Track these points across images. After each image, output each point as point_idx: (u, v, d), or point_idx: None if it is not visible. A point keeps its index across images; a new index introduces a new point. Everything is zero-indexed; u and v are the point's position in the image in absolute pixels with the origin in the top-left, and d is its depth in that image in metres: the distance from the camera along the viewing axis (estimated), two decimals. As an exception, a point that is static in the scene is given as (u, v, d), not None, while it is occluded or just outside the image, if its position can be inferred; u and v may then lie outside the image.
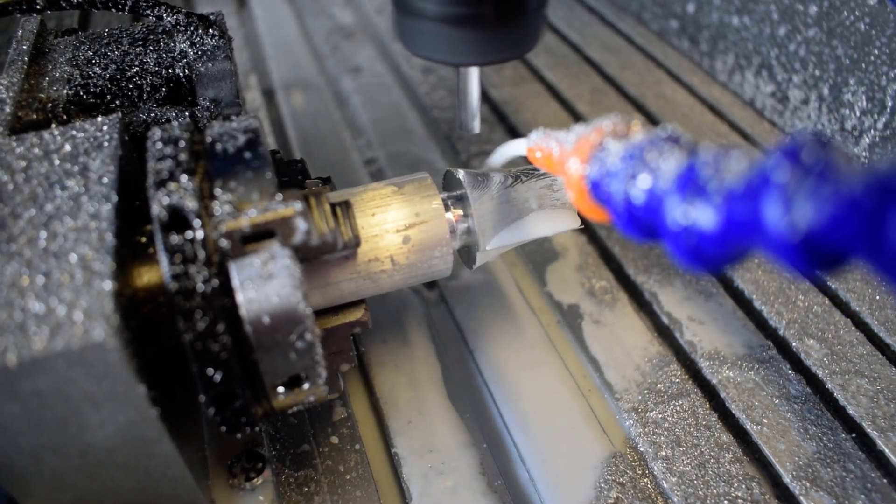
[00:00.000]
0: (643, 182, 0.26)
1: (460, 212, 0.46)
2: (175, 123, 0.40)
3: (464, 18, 0.43)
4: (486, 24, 0.43)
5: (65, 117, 0.45)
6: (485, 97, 0.86)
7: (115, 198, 0.36)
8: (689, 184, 0.24)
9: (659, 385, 0.54)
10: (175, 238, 0.34)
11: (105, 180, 0.37)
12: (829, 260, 0.19)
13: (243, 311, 0.34)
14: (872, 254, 0.18)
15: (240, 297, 0.34)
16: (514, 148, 0.45)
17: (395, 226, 0.44)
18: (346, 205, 0.43)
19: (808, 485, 0.47)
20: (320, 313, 0.44)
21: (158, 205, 0.34)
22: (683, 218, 0.24)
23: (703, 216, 0.23)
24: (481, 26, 0.44)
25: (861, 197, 0.18)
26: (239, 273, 0.34)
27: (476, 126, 0.53)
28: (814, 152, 0.20)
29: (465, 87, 0.51)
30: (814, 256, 0.20)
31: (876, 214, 0.18)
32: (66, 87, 0.46)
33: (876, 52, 0.63)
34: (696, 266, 0.24)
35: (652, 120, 0.81)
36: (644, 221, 0.27)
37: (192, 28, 0.49)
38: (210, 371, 0.34)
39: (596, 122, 0.32)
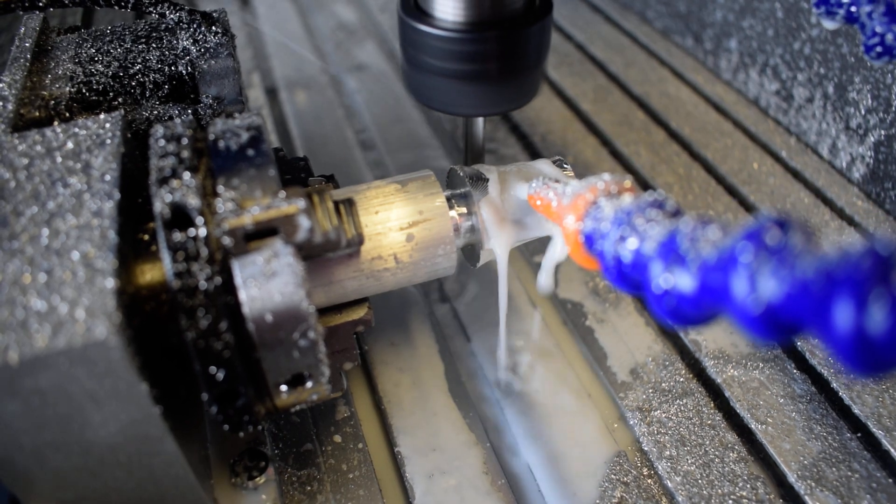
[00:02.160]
0: (631, 244, 0.30)
1: (464, 210, 0.46)
2: (178, 121, 0.40)
3: (470, 75, 0.46)
4: (491, 80, 0.46)
5: (67, 115, 0.45)
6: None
7: (117, 195, 0.35)
8: (671, 252, 0.27)
9: (663, 384, 0.53)
10: (178, 235, 0.34)
11: (107, 178, 0.36)
12: (784, 330, 0.23)
13: (246, 309, 0.34)
14: (821, 329, 0.21)
15: (242, 295, 0.34)
16: (518, 191, 0.47)
17: (398, 224, 0.44)
18: (350, 202, 0.43)
19: (812, 484, 0.46)
20: (323, 311, 0.44)
21: (161, 202, 0.34)
22: (664, 282, 0.27)
23: (681, 282, 0.26)
24: (486, 82, 0.47)
25: (812, 281, 0.22)
26: (241, 271, 0.34)
27: (482, 162, 0.56)
28: (776, 235, 0.23)
29: (472, 132, 0.54)
30: (772, 327, 0.23)
31: (823, 297, 0.21)
32: (69, 84, 0.46)
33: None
34: (675, 322, 0.28)
35: (655, 118, 0.80)
36: (631, 278, 0.30)
37: (194, 25, 0.48)
38: (212, 369, 0.34)
39: (591, 181, 0.35)
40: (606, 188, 0.34)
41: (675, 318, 0.27)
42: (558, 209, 0.38)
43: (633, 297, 0.60)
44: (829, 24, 0.43)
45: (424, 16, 0.46)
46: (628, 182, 0.35)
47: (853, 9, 0.40)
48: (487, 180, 0.46)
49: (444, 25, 0.45)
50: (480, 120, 0.53)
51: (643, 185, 0.71)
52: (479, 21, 0.45)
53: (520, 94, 0.49)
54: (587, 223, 0.34)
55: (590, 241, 0.34)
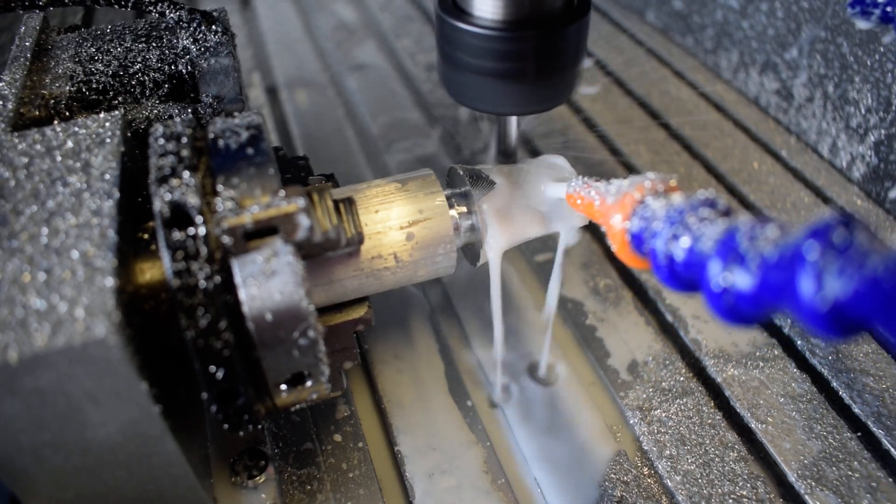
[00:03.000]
0: (684, 243, 0.30)
1: (464, 209, 0.46)
2: (177, 120, 0.39)
3: (507, 73, 0.46)
4: (527, 79, 0.46)
5: (67, 114, 0.45)
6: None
7: (116, 194, 0.35)
8: (729, 251, 0.27)
9: (663, 383, 0.53)
10: (177, 234, 0.34)
11: (107, 177, 0.36)
12: (851, 328, 0.23)
13: (246, 308, 0.34)
14: (889, 325, 0.22)
15: (242, 294, 0.34)
16: (552, 190, 0.47)
17: (398, 223, 0.44)
18: (350, 201, 0.43)
19: (813, 484, 0.46)
20: (323, 311, 0.44)
21: (160, 201, 0.34)
22: (723, 281, 0.27)
23: (740, 280, 0.26)
24: (522, 81, 0.46)
25: (882, 276, 0.22)
26: (241, 270, 0.34)
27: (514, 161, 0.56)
28: (842, 234, 0.24)
29: (505, 131, 0.54)
30: (838, 324, 0.23)
31: (893, 292, 0.22)
32: (69, 83, 0.46)
33: (882, 49, 0.62)
34: (731, 321, 0.28)
35: (655, 118, 0.80)
36: (683, 277, 0.31)
37: (194, 24, 0.48)
38: (212, 368, 0.34)
39: (636, 180, 0.35)
40: (653, 187, 0.34)
41: (731, 316, 0.27)
42: (602, 208, 0.37)
43: (636, 300, 0.60)
44: (863, 24, 0.42)
45: (462, 13, 0.46)
46: (674, 181, 0.35)
47: (889, 9, 0.40)
48: (487, 179, 0.46)
49: (483, 23, 0.45)
50: (514, 119, 0.53)
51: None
52: (518, 20, 0.45)
53: (556, 93, 0.48)
54: (634, 222, 0.34)
55: (638, 240, 0.34)
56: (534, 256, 0.65)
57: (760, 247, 0.26)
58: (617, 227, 0.35)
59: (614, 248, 0.36)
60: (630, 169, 0.73)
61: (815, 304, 0.23)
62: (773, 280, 0.25)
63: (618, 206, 0.35)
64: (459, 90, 0.49)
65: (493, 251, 0.47)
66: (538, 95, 0.48)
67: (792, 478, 0.47)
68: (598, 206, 0.38)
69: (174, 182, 0.35)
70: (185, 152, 0.37)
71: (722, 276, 0.27)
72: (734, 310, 0.27)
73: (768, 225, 0.27)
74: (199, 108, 0.46)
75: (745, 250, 0.27)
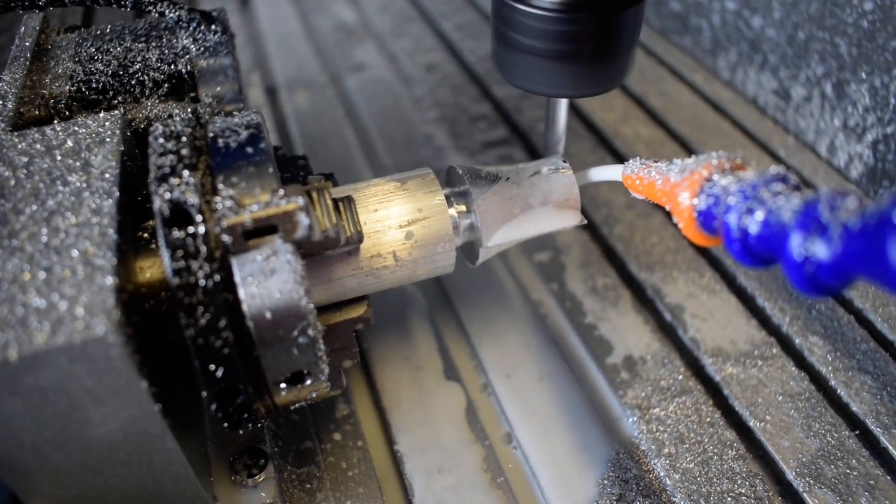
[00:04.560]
0: (759, 216, 0.30)
1: (463, 208, 0.46)
2: (177, 119, 0.40)
3: (562, 55, 0.46)
4: (583, 61, 0.46)
5: (67, 113, 0.45)
6: (487, 96, 0.86)
7: (116, 193, 0.36)
8: (811, 220, 0.28)
9: (662, 382, 0.53)
10: (177, 233, 0.34)
11: (107, 176, 0.37)
12: None
13: (245, 307, 0.34)
14: None
15: (242, 293, 0.34)
16: (606, 174, 0.47)
17: (397, 221, 0.44)
18: (349, 200, 0.43)
19: (811, 482, 0.46)
20: (323, 309, 0.44)
21: (160, 200, 0.34)
22: (804, 251, 0.28)
23: (821, 250, 0.27)
24: (578, 63, 0.46)
25: None
26: (241, 268, 0.34)
27: (560, 149, 0.56)
28: None
29: (554, 115, 0.53)
30: None
31: None
32: (69, 83, 0.46)
33: (879, 49, 0.62)
34: (810, 292, 0.28)
35: (656, 119, 0.80)
36: (758, 251, 0.31)
37: (194, 24, 0.49)
38: (212, 367, 0.34)
39: (703, 158, 0.36)
40: (720, 164, 0.35)
41: (811, 287, 0.28)
42: (665, 187, 0.38)
43: (634, 299, 0.60)
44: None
45: None
46: (739, 159, 0.35)
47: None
48: (486, 178, 0.46)
49: (539, 4, 0.45)
50: (565, 103, 0.53)
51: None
52: (576, 1, 0.45)
53: (610, 76, 0.48)
54: (702, 199, 0.34)
55: (708, 216, 0.34)
56: (533, 256, 0.65)
57: (842, 216, 0.27)
58: (684, 204, 0.35)
59: (681, 225, 0.36)
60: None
61: None
62: (859, 248, 0.25)
63: (685, 183, 0.36)
64: (512, 70, 0.49)
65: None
66: (593, 78, 0.48)
67: (790, 476, 0.47)
68: (660, 186, 0.39)
69: (174, 181, 0.35)
70: (184, 151, 0.37)
71: (804, 246, 0.28)
72: (814, 280, 0.27)
73: (848, 196, 0.27)
74: (199, 108, 0.46)
75: (826, 220, 0.27)
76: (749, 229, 0.31)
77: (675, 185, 0.36)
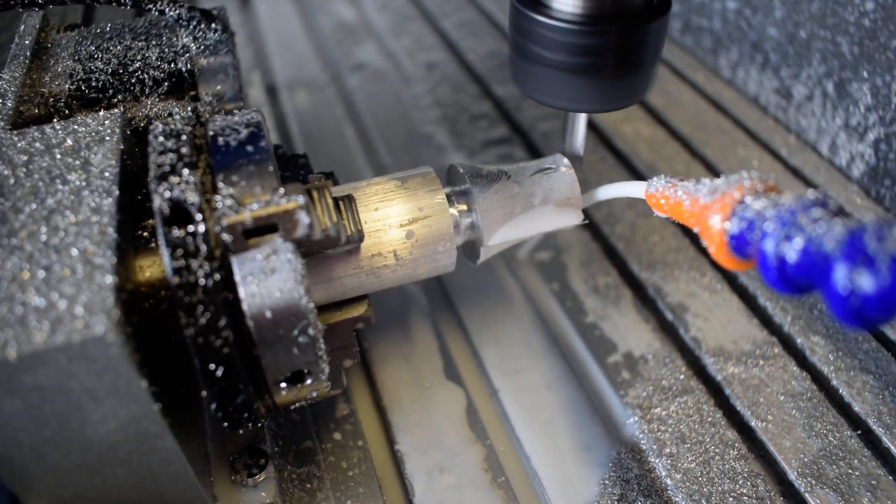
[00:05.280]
0: (798, 244, 0.29)
1: (464, 207, 0.46)
2: (177, 117, 0.39)
3: (584, 69, 0.45)
4: (605, 75, 0.45)
5: (67, 112, 0.45)
6: (488, 95, 0.86)
7: (116, 192, 0.35)
8: (857, 252, 0.27)
9: (663, 381, 0.53)
10: (177, 232, 0.34)
11: (107, 174, 0.36)
12: None
13: (245, 306, 0.34)
14: None
15: (242, 292, 0.34)
16: (628, 190, 0.46)
17: (398, 220, 0.44)
18: (350, 199, 0.43)
19: (812, 482, 0.46)
20: (323, 309, 0.44)
21: (160, 198, 0.34)
22: (850, 283, 0.27)
23: (868, 282, 0.26)
24: (599, 77, 0.45)
25: None
26: (241, 267, 0.34)
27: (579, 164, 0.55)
28: None
29: (573, 130, 0.52)
30: None
31: None
32: (69, 81, 0.46)
33: (881, 47, 0.62)
34: (855, 325, 0.27)
35: (657, 118, 0.80)
36: (796, 280, 0.30)
37: (194, 23, 0.48)
38: (212, 366, 0.34)
39: (734, 179, 0.34)
40: (753, 186, 0.33)
41: (857, 320, 0.27)
42: (694, 208, 0.36)
43: (636, 298, 0.60)
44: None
45: (539, 5, 0.45)
46: (772, 180, 0.34)
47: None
48: (487, 177, 0.46)
49: (561, 16, 0.44)
50: (583, 117, 0.51)
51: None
52: (599, 14, 0.43)
53: (631, 91, 0.47)
54: (735, 223, 0.33)
55: (741, 241, 0.33)
56: (534, 255, 0.65)
57: (890, 247, 0.26)
58: (716, 227, 0.34)
59: (711, 249, 0.35)
60: (630, 168, 0.73)
61: None
62: None
63: (716, 205, 0.34)
64: (531, 84, 0.48)
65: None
66: (615, 93, 0.46)
67: (792, 476, 0.47)
68: (687, 207, 0.37)
69: (174, 179, 0.35)
70: (184, 150, 0.37)
71: (849, 278, 0.27)
72: (860, 313, 0.27)
73: (895, 226, 0.27)
74: (199, 106, 0.46)
75: (873, 251, 0.26)
76: (787, 257, 0.30)
77: (706, 207, 0.35)
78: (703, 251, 0.63)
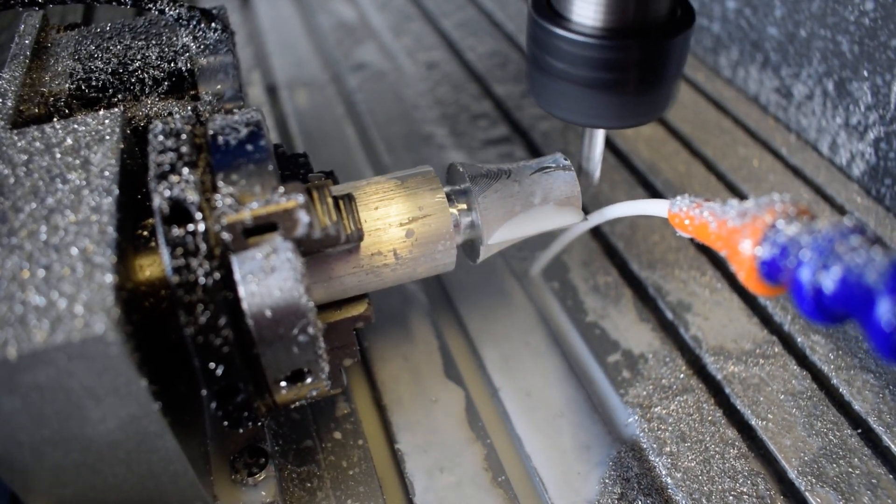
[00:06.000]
0: (836, 274, 0.28)
1: (464, 205, 0.46)
2: (177, 117, 0.39)
3: (604, 84, 0.43)
4: (625, 91, 0.44)
5: (66, 111, 0.45)
6: (488, 94, 0.86)
7: (116, 191, 0.35)
8: None
9: (663, 380, 0.53)
10: (176, 231, 0.34)
11: (106, 174, 0.36)
12: None
13: (245, 305, 0.34)
14: None
15: (242, 291, 0.34)
16: (650, 208, 0.45)
17: (398, 219, 0.44)
18: (349, 198, 0.43)
19: (813, 480, 0.46)
20: (323, 308, 0.44)
21: (160, 197, 0.34)
22: (895, 318, 0.26)
23: None
24: (619, 93, 0.44)
25: None
26: (241, 266, 0.34)
27: (596, 177, 0.53)
28: None
29: (592, 145, 0.51)
30: None
31: None
32: (68, 81, 0.46)
33: (881, 46, 0.62)
34: None
35: (660, 120, 0.80)
36: (833, 310, 0.29)
37: (194, 22, 0.48)
38: (212, 365, 0.34)
39: (765, 202, 0.33)
40: (785, 210, 0.32)
41: None
42: (722, 231, 0.35)
43: (636, 297, 0.60)
44: None
45: (559, 18, 0.44)
46: (804, 204, 0.33)
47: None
48: (487, 176, 0.46)
49: (582, 30, 0.42)
50: (602, 133, 0.50)
51: (643, 183, 0.71)
52: (621, 28, 0.42)
53: (652, 107, 0.46)
54: (766, 248, 0.32)
55: (773, 267, 0.31)
56: (534, 253, 0.65)
57: None
58: (747, 253, 0.33)
59: (741, 275, 0.33)
60: (631, 167, 0.73)
61: None
62: None
63: (746, 230, 0.33)
64: (549, 99, 0.47)
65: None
66: (635, 109, 0.45)
67: (792, 474, 0.47)
68: (714, 229, 0.36)
69: (173, 179, 0.35)
70: (184, 149, 0.37)
71: (894, 313, 0.26)
72: None
73: None
74: (199, 106, 0.46)
75: None
76: (824, 287, 0.29)
77: (735, 230, 0.34)
78: (704, 250, 0.63)
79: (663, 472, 0.48)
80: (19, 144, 0.38)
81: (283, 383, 0.38)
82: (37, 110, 0.44)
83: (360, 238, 0.42)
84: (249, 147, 0.38)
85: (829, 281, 0.28)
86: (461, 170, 0.47)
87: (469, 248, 0.50)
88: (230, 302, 0.34)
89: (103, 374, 0.32)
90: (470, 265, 0.63)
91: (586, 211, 0.49)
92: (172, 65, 0.48)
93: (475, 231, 0.46)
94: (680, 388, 0.53)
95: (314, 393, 0.40)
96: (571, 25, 0.43)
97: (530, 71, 0.48)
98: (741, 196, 0.69)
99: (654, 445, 0.49)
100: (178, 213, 0.34)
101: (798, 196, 0.68)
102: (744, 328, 0.56)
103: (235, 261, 0.34)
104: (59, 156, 0.38)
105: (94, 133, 0.39)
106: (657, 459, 0.48)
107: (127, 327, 0.32)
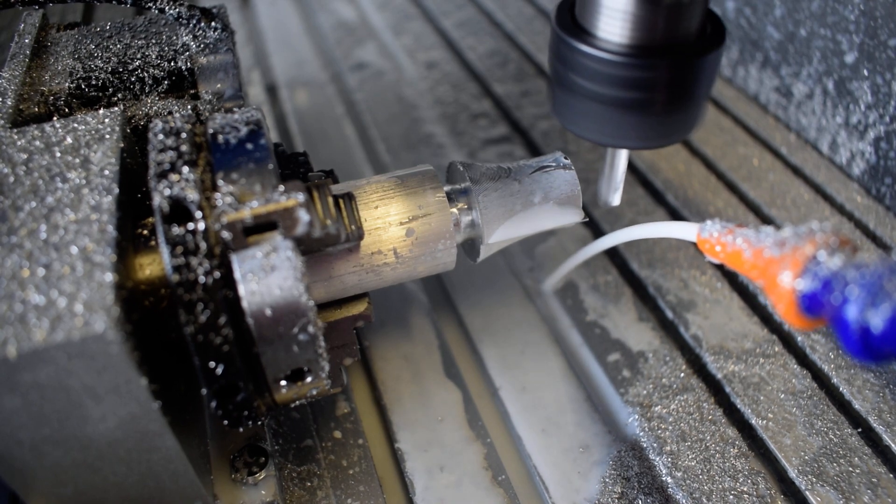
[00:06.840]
0: (885, 313, 0.27)
1: (464, 204, 0.46)
2: (177, 116, 0.39)
3: (631, 104, 0.42)
4: (652, 111, 0.42)
5: (66, 110, 0.45)
6: (488, 93, 0.86)
7: (116, 190, 0.35)
8: None
9: (664, 380, 0.53)
10: (176, 229, 0.34)
11: (106, 172, 0.36)
12: None
13: (245, 304, 0.34)
14: None
15: (242, 290, 0.34)
16: (676, 231, 0.44)
17: (398, 218, 0.44)
18: (349, 197, 0.43)
19: (813, 479, 0.46)
20: (323, 307, 0.44)
21: (160, 196, 0.34)
22: None
23: None
24: (646, 113, 0.42)
25: None
26: (241, 265, 0.34)
27: (617, 199, 0.52)
28: None
29: (614, 165, 0.49)
30: None
31: None
32: (68, 80, 0.46)
33: (881, 46, 0.62)
34: None
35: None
36: (880, 349, 0.27)
37: (194, 21, 0.48)
38: (212, 364, 0.34)
39: (805, 232, 0.32)
40: (826, 241, 0.31)
41: None
42: (759, 261, 0.34)
43: (636, 296, 0.60)
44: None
45: (584, 34, 0.42)
46: (845, 235, 0.32)
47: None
48: (486, 175, 0.46)
49: (608, 47, 0.41)
50: (625, 153, 0.49)
51: (643, 182, 0.71)
52: (649, 45, 0.40)
53: (679, 127, 0.44)
54: (807, 281, 0.30)
55: (814, 302, 0.30)
56: (534, 250, 0.65)
57: None
58: (786, 285, 0.31)
59: (780, 307, 0.32)
60: (631, 166, 0.73)
61: None
62: None
63: (787, 261, 0.32)
64: (572, 118, 0.45)
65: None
66: (662, 129, 0.43)
67: (792, 474, 0.47)
68: (749, 258, 0.35)
69: (173, 177, 0.35)
70: (184, 148, 0.37)
71: None
72: None
73: None
74: (199, 105, 0.46)
75: None
76: (872, 326, 0.27)
77: (773, 261, 0.32)
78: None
79: (663, 471, 0.48)
80: (19, 143, 0.38)
81: (283, 382, 0.38)
82: (37, 109, 0.44)
83: (361, 237, 0.42)
84: (249, 146, 0.37)
85: (878, 319, 0.27)
86: (461, 169, 0.47)
87: (469, 247, 0.49)
88: (230, 301, 0.34)
89: (103, 372, 0.32)
90: (470, 264, 0.63)
91: (600, 228, 0.48)
92: (172, 64, 0.48)
93: (475, 230, 0.46)
94: (680, 387, 0.53)
95: (314, 392, 0.40)
96: (597, 42, 0.41)
97: (553, 88, 0.46)
98: (741, 196, 0.69)
99: (655, 444, 0.49)
100: (178, 211, 0.34)
101: (798, 196, 0.68)
102: (744, 327, 0.56)
103: (235, 259, 0.34)
104: (58, 155, 0.38)
105: (93, 132, 0.39)
106: (657, 458, 0.48)
107: (127, 326, 0.32)
